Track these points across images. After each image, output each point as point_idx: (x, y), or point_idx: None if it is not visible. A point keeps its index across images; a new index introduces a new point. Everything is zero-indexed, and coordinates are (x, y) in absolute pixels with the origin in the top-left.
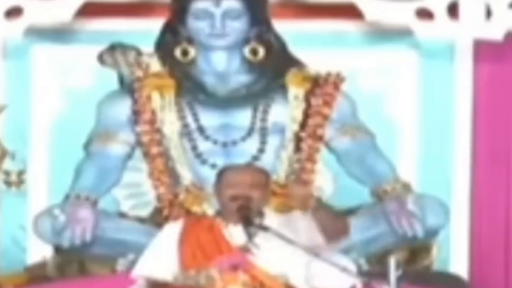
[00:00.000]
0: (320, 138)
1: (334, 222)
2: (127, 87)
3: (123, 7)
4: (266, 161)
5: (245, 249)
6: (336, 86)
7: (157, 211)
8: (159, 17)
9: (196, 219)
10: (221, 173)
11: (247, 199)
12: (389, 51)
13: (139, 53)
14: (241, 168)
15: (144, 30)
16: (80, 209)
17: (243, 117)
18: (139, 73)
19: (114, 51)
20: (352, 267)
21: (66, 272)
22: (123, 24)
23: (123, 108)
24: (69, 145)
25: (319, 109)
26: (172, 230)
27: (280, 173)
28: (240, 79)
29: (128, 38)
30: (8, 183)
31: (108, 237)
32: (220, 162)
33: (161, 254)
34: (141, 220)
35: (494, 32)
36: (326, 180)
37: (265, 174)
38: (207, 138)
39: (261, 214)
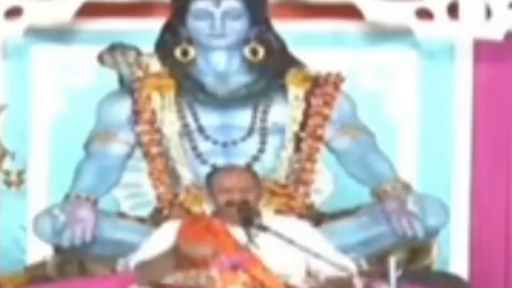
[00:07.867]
0: (320, 138)
1: None
2: (127, 87)
3: (123, 7)
4: (266, 161)
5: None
6: (336, 86)
7: (157, 211)
8: (159, 17)
9: (194, 219)
10: (211, 177)
11: (245, 203)
12: (389, 51)
13: (139, 53)
14: (229, 172)
15: (144, 30)
16: (80, 209)
17: (243, 117)
18: (139, 73)
19: (114, 51)
20: (352, 267)
21: (66, 272)
22: (123, 24)
23: (123, 108)
24: (69, 145)
25: (319, 109)
26: (169, 229)
27: (280, 173)
28: (240, 79)
29: (128, 38)
30: (8, 183)
31: (108, 237)
32: (220, 162)
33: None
34: (141, 220)
35: (494, 32)
36: (326, 180)
37: (252, 174)
38: (207, 138)
39: (257, 214)
